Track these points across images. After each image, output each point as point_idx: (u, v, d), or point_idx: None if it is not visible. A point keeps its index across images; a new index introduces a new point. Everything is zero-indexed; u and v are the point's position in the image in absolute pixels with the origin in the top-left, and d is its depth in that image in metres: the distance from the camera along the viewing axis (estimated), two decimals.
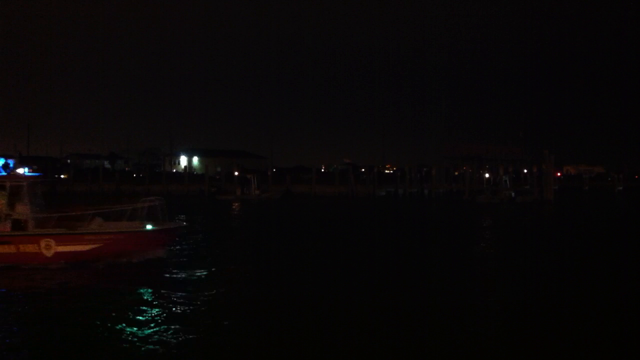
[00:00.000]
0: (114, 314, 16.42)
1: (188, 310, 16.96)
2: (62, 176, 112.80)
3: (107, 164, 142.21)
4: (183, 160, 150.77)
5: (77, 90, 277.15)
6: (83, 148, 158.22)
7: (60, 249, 23.26)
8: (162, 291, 19.22)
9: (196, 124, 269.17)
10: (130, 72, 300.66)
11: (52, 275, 21.86)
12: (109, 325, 15.37)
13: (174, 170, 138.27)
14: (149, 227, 24.23)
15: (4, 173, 24.63)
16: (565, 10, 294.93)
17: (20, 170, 24.94)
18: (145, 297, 18.76)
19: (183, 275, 22.08)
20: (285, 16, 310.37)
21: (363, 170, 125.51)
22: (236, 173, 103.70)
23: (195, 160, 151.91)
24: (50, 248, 23.23)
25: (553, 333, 14.95)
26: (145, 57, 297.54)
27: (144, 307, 17.31)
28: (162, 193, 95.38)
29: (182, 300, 18.00)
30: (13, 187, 23.95)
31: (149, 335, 14.53)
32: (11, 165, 24.99)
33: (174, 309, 17.10)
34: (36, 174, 25.77)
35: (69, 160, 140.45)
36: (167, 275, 22.20)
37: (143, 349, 13.50)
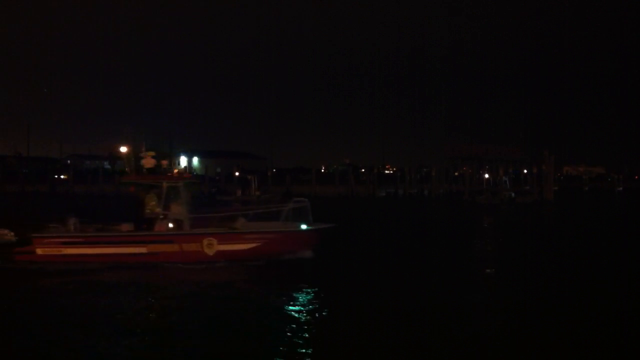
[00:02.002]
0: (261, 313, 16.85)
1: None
2: (62, 177, 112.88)
3: (107, 165, 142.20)
4: (183, 161, 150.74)
5: (77, 90, 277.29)
6: (83, 149, 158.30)
7: (222, 247, 23.80)
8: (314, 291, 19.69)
9: (196, 124, 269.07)
10: (131, 72, 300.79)
11: (209, 273, 22.47)
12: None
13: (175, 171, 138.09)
14: (304, 227, 24.69)
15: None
16: (566, 10, 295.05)
17: (175, 172, 25.50)
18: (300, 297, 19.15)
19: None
20: (285, 17, 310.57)
21: (363, 170, 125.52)
22: (237, 174, 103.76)
23: (195, 161, 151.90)
24: (212, 247, 23.75)
25: (553, 333, 14.97)
26: (145, 57, 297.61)
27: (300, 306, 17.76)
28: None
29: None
30: (169, 188, 24.48)
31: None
32: (163, 166, 25.48)
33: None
34: (190, 175, 26.25)
35: (69, 161, 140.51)
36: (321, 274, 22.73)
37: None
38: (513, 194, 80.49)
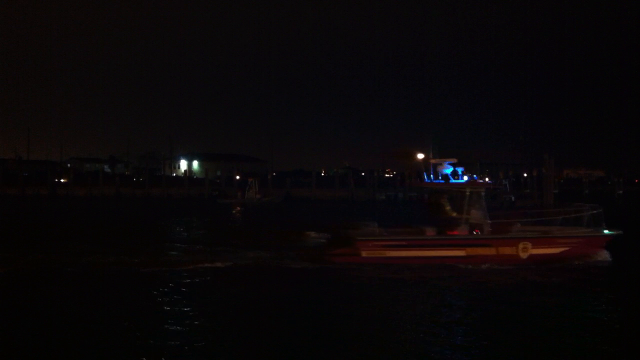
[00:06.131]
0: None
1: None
2: (62, 180, 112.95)
3: (107, 168, 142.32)
4: (183, 165, 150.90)
5: (78, 93, 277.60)
6: (83, 152, 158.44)
7: (535, 251, 24.88)
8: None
9: (196, 127, 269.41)
10: (131, 75, 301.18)
11: (519, 273, 23.23)
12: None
13: (174, 175, 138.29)
14: (606, 231, 25.58)
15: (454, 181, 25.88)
16: (565, 11, 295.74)
17: (466, 178, 26.06)
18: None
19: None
20: (285, 19, 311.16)
21: (363, 174, 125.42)
22: (237, 177, 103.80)
23: (195, 164, 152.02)
24: (527, 250, 24.87)
25: (553, 334, 15.00)
26: (145, 60, 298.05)
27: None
28: (162, 197, 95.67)
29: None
30: (472, 193, 25.55)
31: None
32: (459, 172, 26.00)
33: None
34: (489, 183, 26.96)
35: (69, 164, 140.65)
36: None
37: None
38: (513, 198, 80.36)
